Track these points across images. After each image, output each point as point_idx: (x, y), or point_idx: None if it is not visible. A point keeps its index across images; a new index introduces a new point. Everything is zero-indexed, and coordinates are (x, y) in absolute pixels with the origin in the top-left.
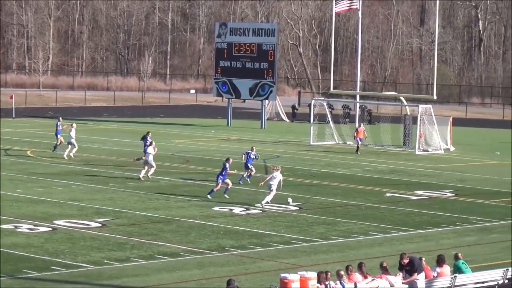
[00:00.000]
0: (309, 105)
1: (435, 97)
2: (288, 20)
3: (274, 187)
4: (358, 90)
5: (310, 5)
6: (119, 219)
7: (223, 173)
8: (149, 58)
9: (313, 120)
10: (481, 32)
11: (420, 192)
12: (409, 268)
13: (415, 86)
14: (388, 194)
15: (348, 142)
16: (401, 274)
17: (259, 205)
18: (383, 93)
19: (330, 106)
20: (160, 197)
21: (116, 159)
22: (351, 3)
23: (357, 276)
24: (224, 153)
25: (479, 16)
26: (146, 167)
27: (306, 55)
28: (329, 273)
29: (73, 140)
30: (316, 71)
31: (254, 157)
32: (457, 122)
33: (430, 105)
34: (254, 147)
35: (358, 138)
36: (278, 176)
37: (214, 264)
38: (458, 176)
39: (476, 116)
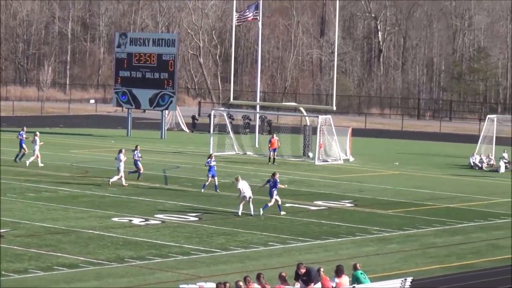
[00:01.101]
0: (209, 115)
1: (334, 108)
2: (189, 31)
3: (246, 193)
4: (258, 101)
5: (210, 15)
6: (17, 230)
7: (275, 187)
8: (48, 67)
9: (213, 131)
10: (381, 43)
11: (319, 202)
12: (306, 278)
13: (315, 96)
14: (287, 205)
15: (248, 153)
16: (298, 284)
17: (255, 213)
18: (283, 103)
19: (230, 117)
20: (58, 207)
21: (14, 170)
22: (251, 13)
23: (255, 286)
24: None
25: (379, 27)
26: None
27: (207, 65)
28: (227, 284)
29: (36, 148)
30: (217, 81)
31: (214, 164)
32: (356, 132)
33: (329, 116)
34: (213, 155)
35: (272, 150)
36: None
37: (113, 275)
38: (357, 187)
39: (375, 126)
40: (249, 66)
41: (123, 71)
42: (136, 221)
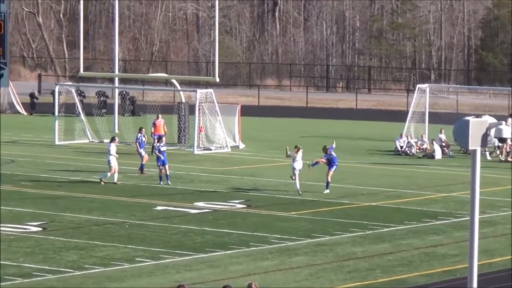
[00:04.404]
0: (53, 92)
1: (217, 79)
2: None
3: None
4: (116, 72)
5: None
6: None
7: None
8: None
9: (59, 112)
10: None
11: (201, 204)
12: None
13: (192, 65)
14: (159, 208)
15: (105, 141)
16: None
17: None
18: (150, 75)
19: (81, 93)
20: None
21: None
22: None
23: None
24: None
25: None
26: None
27: (48, 26)
28: None
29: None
30: (61, 47)
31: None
32: (247, 111)
33: (211, 90)
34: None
35: (156, 136)
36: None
37: None
38: (250, 182)
39: (271, 102)
40: (104, 26)
41: None
42: None
